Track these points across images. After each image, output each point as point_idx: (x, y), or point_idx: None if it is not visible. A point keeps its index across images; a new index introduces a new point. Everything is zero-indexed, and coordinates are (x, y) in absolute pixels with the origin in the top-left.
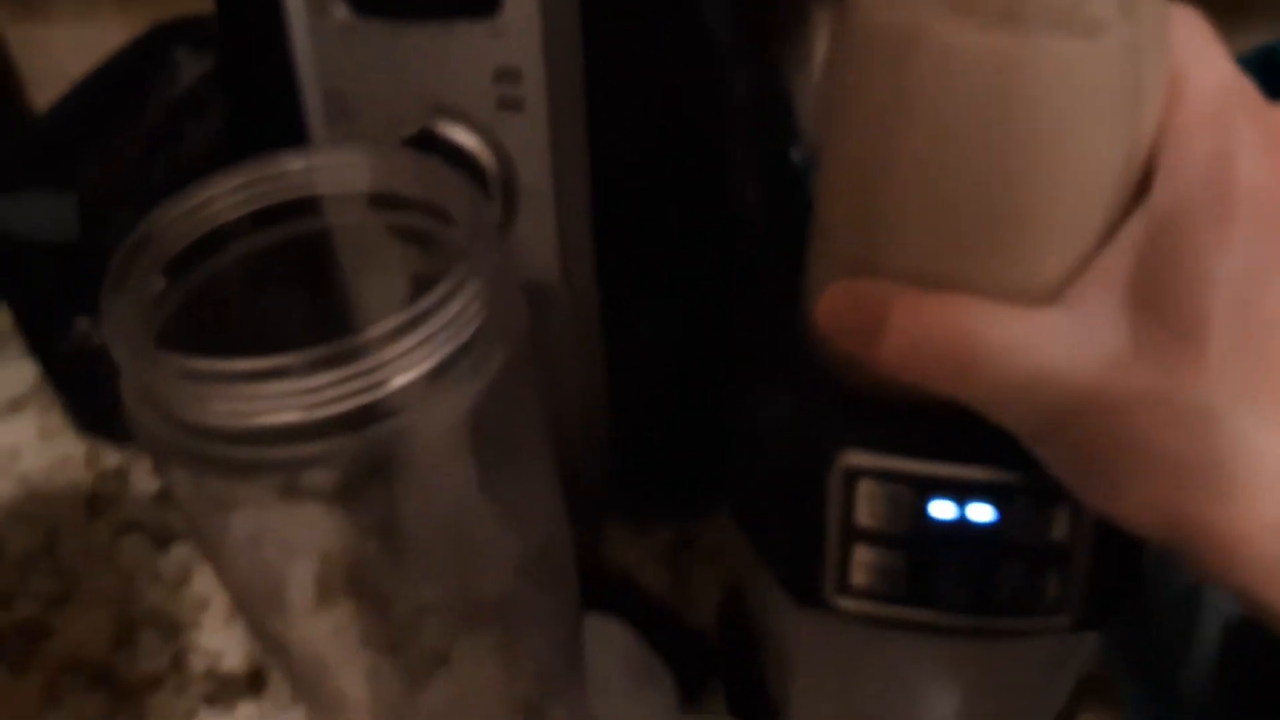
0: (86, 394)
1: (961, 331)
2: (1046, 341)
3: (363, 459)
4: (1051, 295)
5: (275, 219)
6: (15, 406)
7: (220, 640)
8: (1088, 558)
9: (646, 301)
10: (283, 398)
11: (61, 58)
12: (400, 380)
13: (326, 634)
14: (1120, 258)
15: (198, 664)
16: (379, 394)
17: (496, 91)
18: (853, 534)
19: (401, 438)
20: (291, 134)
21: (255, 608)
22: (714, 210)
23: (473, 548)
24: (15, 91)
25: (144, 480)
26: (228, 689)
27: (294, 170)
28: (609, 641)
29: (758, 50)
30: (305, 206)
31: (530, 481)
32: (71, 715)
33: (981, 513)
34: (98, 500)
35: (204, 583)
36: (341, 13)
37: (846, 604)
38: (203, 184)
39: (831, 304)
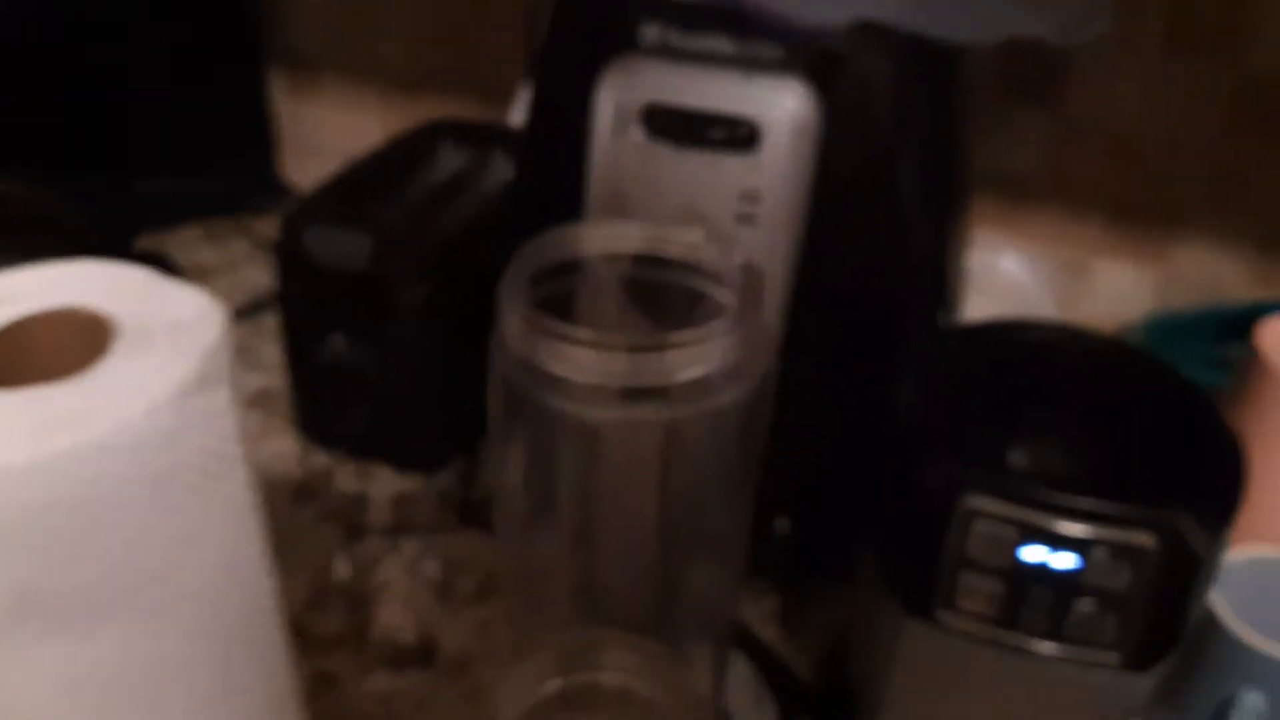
0: (322, 399)
1: None
2: None
3: (644, 429)
4: None
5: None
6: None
7: (398, 617)
8: (1142, 609)
9: (819, 401)
10: (604, 365)
11: (321, 136)
12: (685, 374)
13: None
14: None
15: (377, 633)
16: (667, 380)
17: (739, 208)
18: (963, 563)
19: (678, 419)
20: (569, 218)
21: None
22: (882, 338)
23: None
24: (274, 154)
25: (347, 480)
26: (402, 657)
27: (625, 230)
28: (733, 669)
29: (936, 225)
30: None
31: (732, 506)
32: None
33: (1064, 560)
34: (305, 490)
35: (388, 570)
36: (637, 135)
37: (950, 620)
38: (566, 229)
39: None
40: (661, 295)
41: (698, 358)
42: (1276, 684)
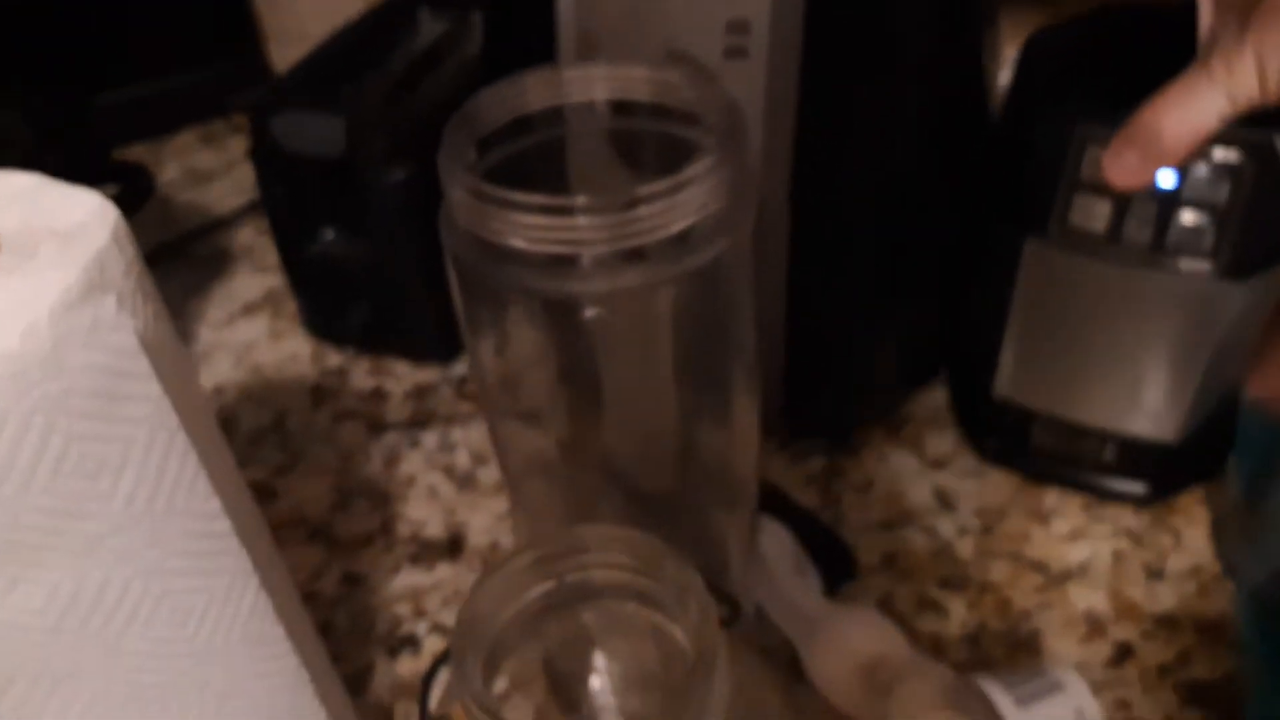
0: (322, 297)
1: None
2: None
3: (622, 296)
4: None
5: (556, 120)
6: (249, 310)
7: (424, 512)
8: (1238, 222)
9: (828, 235)
10: (569, 231)
11: (302, 19)
12: (662, 230)
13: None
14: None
15: (403, 529)
16: (640, 240)
17: (725, 41)
18: (1075, 185)
19: (657, 279)
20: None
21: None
22: (894, 159)
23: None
24: (260, 45)
25: (361, 378)
26: (428, 551)
27: (585, 75)
28: (772, 537)
29: (947, 34)
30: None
31: (735, 364)
32: (292, 561)
33: (1166, 178)
34: (321, 391)
35: (412, 464)
36: None
37: (1064, 235)
38: (513, 79)
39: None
40: (647, 146)
41: (675, 211)
42: None
